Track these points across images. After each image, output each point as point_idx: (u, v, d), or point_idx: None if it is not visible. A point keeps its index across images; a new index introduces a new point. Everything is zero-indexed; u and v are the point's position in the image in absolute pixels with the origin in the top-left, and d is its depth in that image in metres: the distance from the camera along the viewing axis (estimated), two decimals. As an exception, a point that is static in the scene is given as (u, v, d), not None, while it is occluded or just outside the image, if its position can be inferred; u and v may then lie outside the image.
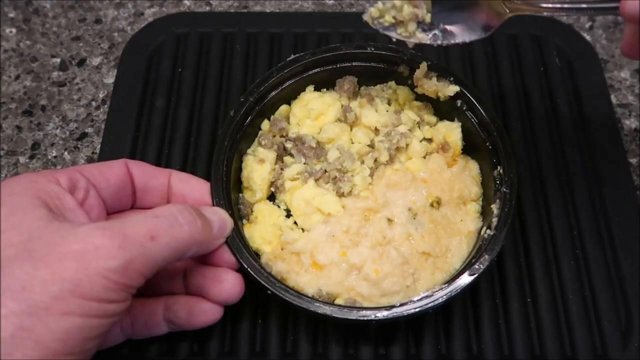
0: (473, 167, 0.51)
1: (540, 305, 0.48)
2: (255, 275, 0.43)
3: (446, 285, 0.42)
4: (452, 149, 0.51)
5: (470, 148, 0.52)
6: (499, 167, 0.47)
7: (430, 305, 0.42)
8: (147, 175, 0.44)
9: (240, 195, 0.50)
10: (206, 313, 0.42)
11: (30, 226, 0.33)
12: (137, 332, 0.43)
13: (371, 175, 0.50)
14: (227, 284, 0.42)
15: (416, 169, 0.50)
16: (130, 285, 0.34)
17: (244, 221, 0.48)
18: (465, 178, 0.50)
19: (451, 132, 0.51)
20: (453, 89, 0.50)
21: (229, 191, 0.46)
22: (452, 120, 0.52)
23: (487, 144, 0.49)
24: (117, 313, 0.34)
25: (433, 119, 0.53)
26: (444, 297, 0.42)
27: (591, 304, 0.48)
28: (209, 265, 0.43)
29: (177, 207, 0.38)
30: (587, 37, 0.64)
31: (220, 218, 0.42)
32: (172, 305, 0.42)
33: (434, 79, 0.50)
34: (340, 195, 0.49)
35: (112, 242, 0.33)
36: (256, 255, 0.46)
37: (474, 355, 0.46)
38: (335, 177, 0.49)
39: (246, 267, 0.43)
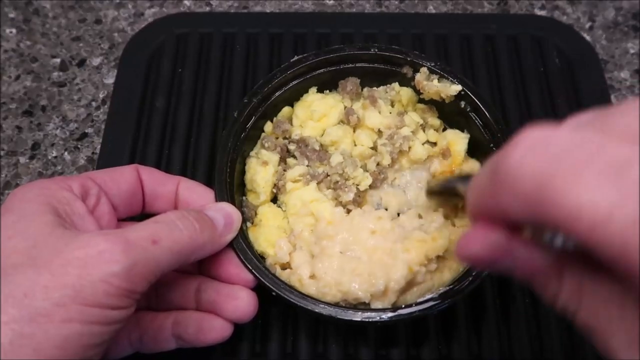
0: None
1: (540, 305, 0.48)
2: (260, 277, 0.43)
3: (452, 286, 0.42)
4: (453, 157, 0.51)
5: (474, 149, 0.52)
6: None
7: (435, 307, 0.41)
8: (156, 181, 0.44)
9: (244, 198, 0.50)
10: (216, 330, 0.42)
11: (36, 233, 0.33)
12: (145, 346, 0.42)
13: (374, 179, 0.49)
14: (242, 302, 0.42)
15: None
16: (134, 290, 0.34)
17: (248, 224, 0.48)
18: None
19: (457, 141, 0.51)
20: (455, 89, 0.49)
21: (232, 194, 0.46)
22: (457, 123, 0.52)
23: (492, 145, 0.49)
24: (120, 320, 0.34)
25: (437, 122, 0.53)
26: (449, 299, 0.42)
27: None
28: (224, 282, 0.43)
29: (175, 213, 0.38)
30: (587, 37, 0.64)
31: (225, 214, 0.42)
32: (181, 321, 0.42)
33: (435, 80, 0.50)
34: (338, 204, 0.49)
35: (115, 246, 0.33)
36: (262, 258, 0.46)
37: (475, 355, 0.46)
38: (337, 181, 0.49)
39: (250, 268, 0.43)
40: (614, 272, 0.20)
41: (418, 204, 0.49)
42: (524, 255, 0.24)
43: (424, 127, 0.53)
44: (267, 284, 0.42)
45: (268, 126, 0.52)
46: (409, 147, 0.50)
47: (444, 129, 0.54)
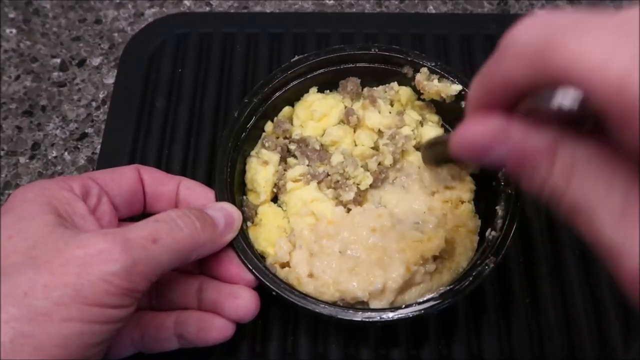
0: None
1: (540, 306, 0.48)
2: (260, 276, 0.42)
3: (452, 286, 0.42)
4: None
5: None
6: (503, 168, 0.47)
7: (435, 307, 0.41)
8: (157, 181, 0.44)
9: (244, 197, 0.50)
10: (217, 329, 0.42)
11: (36, 232, 0.34)
12: (147, 345, 0.42)
13: (375, 178, 0.49)
14: (243, 301, 0.42)
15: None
16: (134, 289, 0.34)
17: (248, 223, 0.48)
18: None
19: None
20: (456, 89, 0.50)
21: (233, 193, 0.46)
22: (457, 123, 0.52)
23: None
24: (120, 319, 0.34)
25: (435, 117, 0.53)
26: (450, 299, 0.42)
27: (591, 304, 0.48)
28: (226, 282, 0.43)
29: (176, 212, 0.39)
30: (587, 37, 0.64)
31: (226, 213, 0.42)
32: (183, 320, 0.42)
33: (436, 80, 0.50)
34: (339, 203, 0.48)
35: (114, 246, 0.33)
36: (262, 257, 0.46)
37: (475, 355, 0.46)
38: (337, 181, 0.49)
39: (250, 268, 0.43)
40: (610, 131, 0.21)
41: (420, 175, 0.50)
42: (519, 138, 0.25)
43: (422, 123, 0.53)
44: (268, 283, 0.42)
45: (269, 126, 0.52)
46: (414, 146, 0.50)
47: (442, 125, 0.54)
